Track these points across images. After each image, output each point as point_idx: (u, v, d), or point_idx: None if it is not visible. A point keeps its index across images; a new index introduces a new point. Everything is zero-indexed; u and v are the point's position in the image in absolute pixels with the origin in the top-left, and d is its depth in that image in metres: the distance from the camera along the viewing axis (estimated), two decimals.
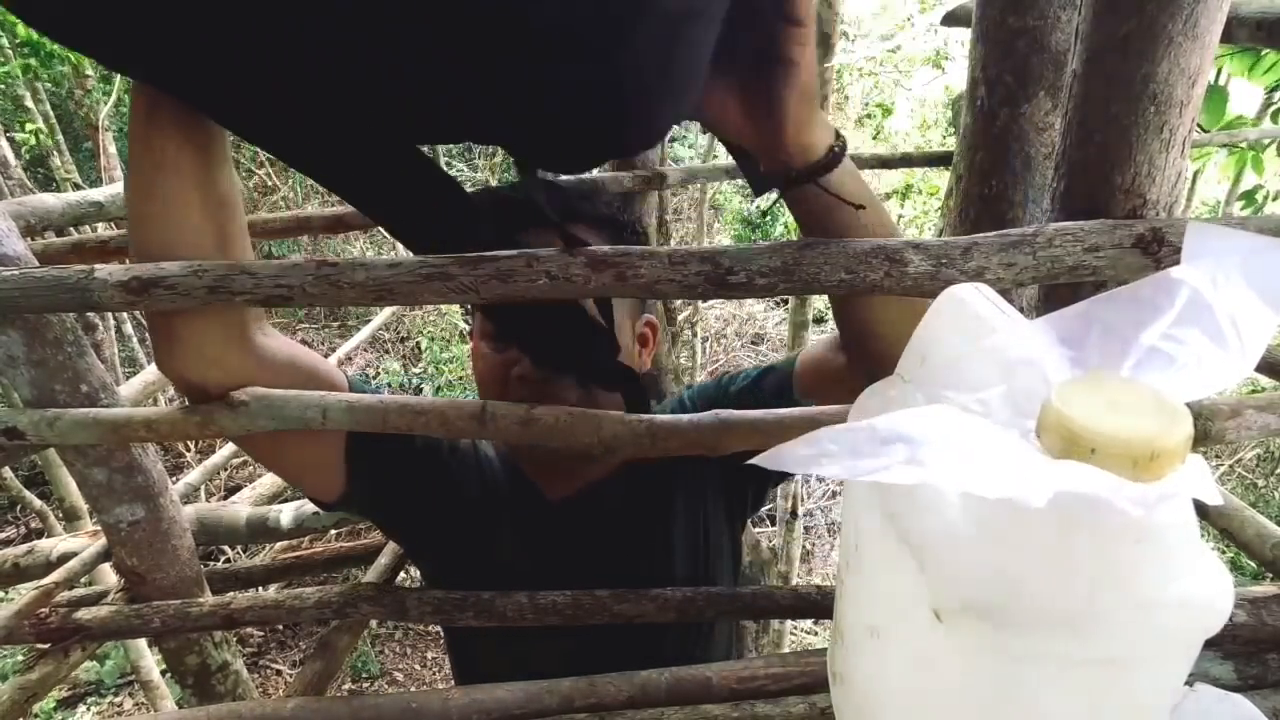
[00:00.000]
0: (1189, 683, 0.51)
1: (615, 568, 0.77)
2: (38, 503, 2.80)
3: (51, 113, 3.80)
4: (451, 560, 0.82)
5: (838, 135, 0.54)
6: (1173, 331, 0.31)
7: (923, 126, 7.65)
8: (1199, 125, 2.10)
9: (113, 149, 3.75)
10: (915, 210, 6.43)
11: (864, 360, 0.64)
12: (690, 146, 8.68)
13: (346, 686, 3.36)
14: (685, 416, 0.57)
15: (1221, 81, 2.26)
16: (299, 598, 0.74)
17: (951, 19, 1.58)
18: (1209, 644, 0.58)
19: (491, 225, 0.57)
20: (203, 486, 2.61)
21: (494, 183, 6.56)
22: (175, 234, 0.55)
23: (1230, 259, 0.32)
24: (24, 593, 0.77)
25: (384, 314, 3.72)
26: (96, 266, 0.55)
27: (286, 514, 1.10)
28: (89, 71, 3.77)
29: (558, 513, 0.80)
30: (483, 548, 0.80)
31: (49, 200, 1.05)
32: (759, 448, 0.31)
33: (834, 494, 4.35)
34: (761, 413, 0.57)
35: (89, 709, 3.25)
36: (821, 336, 0.79)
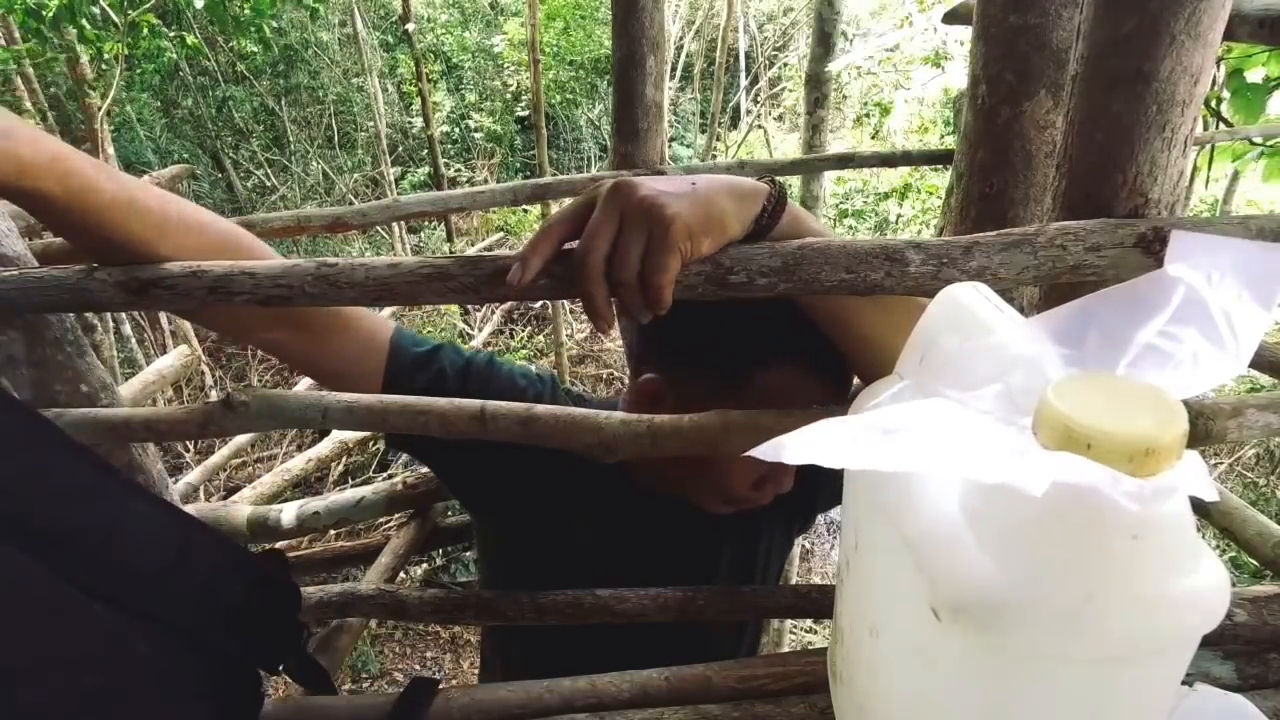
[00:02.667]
0: (1190, 682, 0.51)
1: (673, 570, 0.77)
2: None
3: (49, 113, 3.80)
4: (513, 517, 0.81)
5: (769, 197, 0.52)
6: (1169, 329, 0.31)
7: (921, 129, 7.65)
8: (1228, 122, 2.09)
9: (111, 150, 3.75)
10: (915, 209, 6.44)
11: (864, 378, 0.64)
12: (688, 146, 8.69)
13: (346, 686, 3.36)
14: (687, 416, 0.57)
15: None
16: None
17: (952, 17, 1.59)
18: (1209, 644, 0.58)
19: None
20: (203, 486, 2.61)
21: (492, 182, 6.57)
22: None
23: (1223, 257, 0.32)
24: None
25: (384, 314, 3.73)
26: (96, 266, 0.55)
27: (287, 513, 1.10)
28: (86, 68, 3.78)
29: (641, 504, 0.79)
30: (552, 515, 0.79)
31: None
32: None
33: None
34: (762, 412, 0.57)
35: None
36: None
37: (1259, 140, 2.21)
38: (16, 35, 3.66)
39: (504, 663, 0.92)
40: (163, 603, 0.49)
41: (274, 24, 5.21)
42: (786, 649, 3.47)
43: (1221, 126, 2.09)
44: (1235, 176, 4.79)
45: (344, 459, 4.00)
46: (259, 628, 0.57)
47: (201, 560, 0.53)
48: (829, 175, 5.83)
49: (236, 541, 0.60)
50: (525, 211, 6.73)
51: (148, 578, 0.49)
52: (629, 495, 0.79)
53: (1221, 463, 4.47)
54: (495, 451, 0.72)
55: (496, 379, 0.75)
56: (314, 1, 3.87)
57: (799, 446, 0.29)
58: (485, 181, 7.27)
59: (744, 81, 8.54)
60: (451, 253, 3.19)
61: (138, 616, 0.47)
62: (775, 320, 0.65)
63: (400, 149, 7.93)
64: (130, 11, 3.52)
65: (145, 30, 3.77)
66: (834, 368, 0.67)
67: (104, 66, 3.86)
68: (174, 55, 4.53)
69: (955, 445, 0.28)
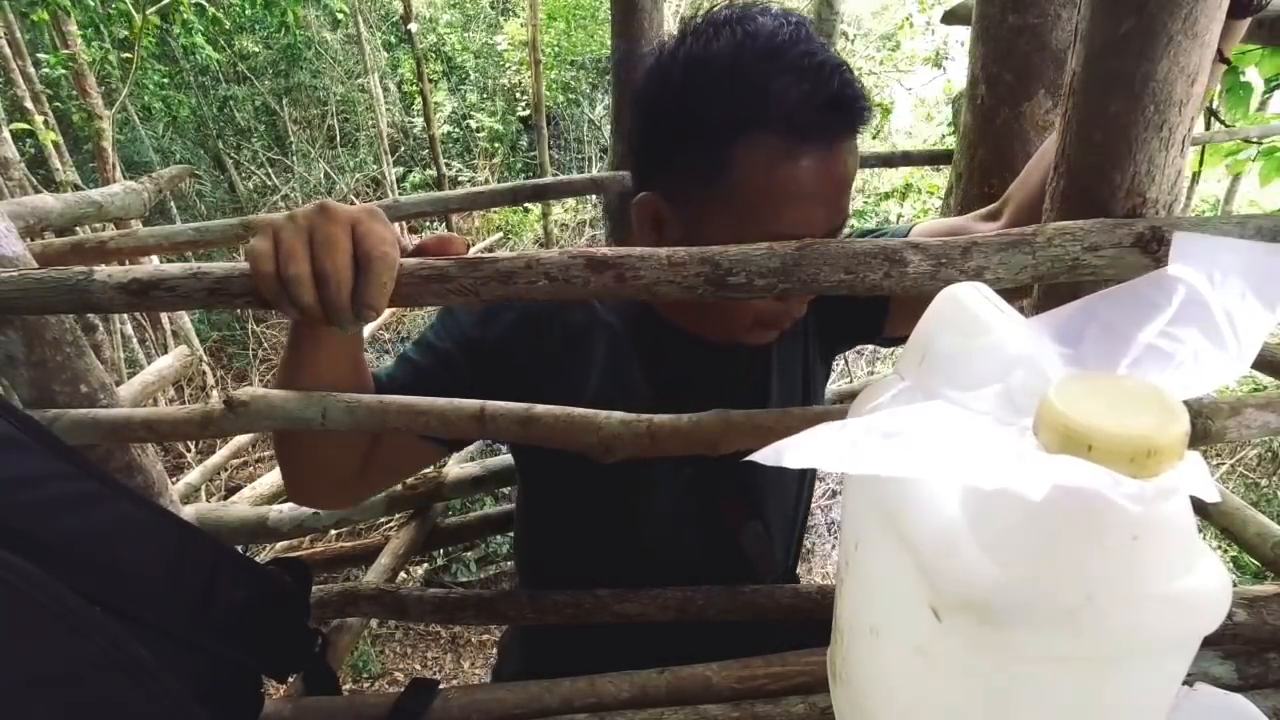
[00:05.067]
0: (1190, 682, 0.51)
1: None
2: None
3: (51, 114, 3.81)
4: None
5: None
6: (1170, 329, 0.31)
7: (929, 119, 7.65)
8: (1221, 120, 2.10)
9: (112, 148, 3.75)
10: (915, 209, 6.44)
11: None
12: None
13: (347, 686, 3.35)
14: (685, 417, 0.57)
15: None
16: None
17: (951, 17, 1.59)
18: (1209, 644, 0.58)
19: None
20: (203, 486, 2.61)
21: (494, 182, 6.57)
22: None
23: (1225, 258, 0.32)
24: None
25: (383, 314, 3.74)
26: (96, 268, 0.55)
27: (287, 513, 1.10)
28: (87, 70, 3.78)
29: (715, 356, 0.79)
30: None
31: (49, 200, 1.06)
32: (762, 446, 0.30)
33: (834, 493, 4.35)
34: (763, 412, 0.57)
35: None
36: (939, 220, 0.78)
37: (1255, 140, 2.22)
38: (16, 31, 3.66)
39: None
40: (161, 608, 0.49)
41: (294, 14, 5.23)
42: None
43: (1218, 126, 2.10)
44: (1236, 176, 4.78)
45: None
46: (264, 634, 0.57)
47: (199, 566, 0.53)
48: None
49: (235, 548, 0.60)
50: (526, 211, 6.73)
51: (145, 584, 0.49)
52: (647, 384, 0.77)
53: (1223, 463, 4.46)
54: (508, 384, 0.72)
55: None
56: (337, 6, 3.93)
57: (800, 450, 0.29)
58: (487, 181, 7.28)
59: None
60: None
61: (136, 622, 0.47)
62: (748, 88, 0.63)
63: (402, 149, 7.93)
64: (147, 6, 3.53)
65: (179, 28, 3.79)
66: (821, 130, 0.64)
67: (111, 66, 3.88)
68: (213, 55, 4.59)
69: (955, 449, 0.28)
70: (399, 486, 1.09)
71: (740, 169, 0.64)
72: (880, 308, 0.82)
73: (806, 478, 0.91)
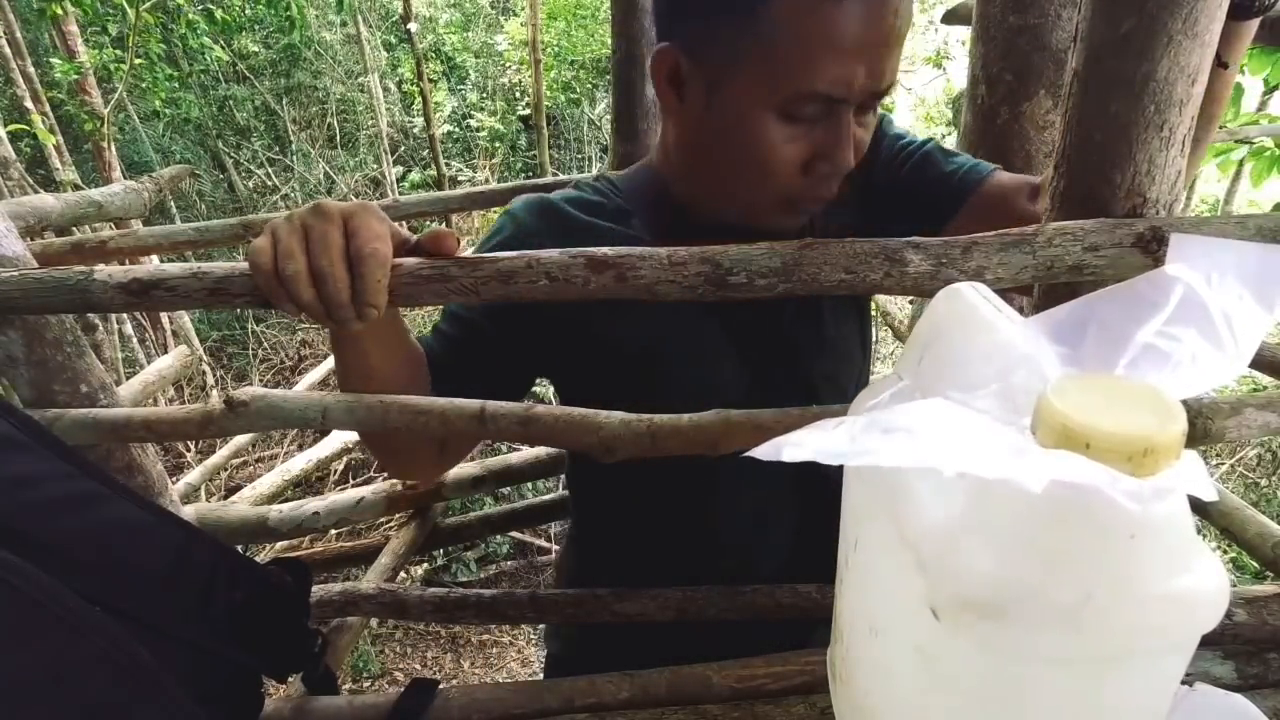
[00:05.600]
0: (1190, 682, 0.51)
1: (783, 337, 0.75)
2: None
3: (51, 113, 3.81)
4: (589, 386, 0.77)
5: None
6: (1168, 329, 0.31)
7: (928, 120, 7.66)
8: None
9: (113, 148, 3.75)
10: None
11: None
12: None
13: (347, 686, 3.35)
14: (686, 416, 0.57)
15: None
16: None
17: (952, 17, 1.58)
18: (1209, 643, 0.58)
19: None
20: (203, 486, 2.61)
21: (494, 182, 6.57)
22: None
23: (1223, 258, 0.32)
24: None
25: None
26: (97, 268, 0.55)
27: (286, 514, 1.10)
28: (89, 73, 3.78)
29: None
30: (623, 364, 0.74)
31: (48, 200, 1.06)
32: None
33: None
34: (763, 411, 0.57)
35: None
36: (1018, 177, 0.73)
37: (1253, 140, 2.22)
38: (16, 32, 3.66)
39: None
40: (161, 608, 0.50)
41: (299, 10, 5.24)
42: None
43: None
44: (1236, 176, 4.79)
45: (345, 458, 4.00)
46: (264, 634, 0.57)
47: (199, 566, 0.53)
48: None
49: (235, 548, 0.60)
50: None
51: (145, 584, 0.49)
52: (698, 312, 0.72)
53: (1223, 463, 4.47)
54: (536, 337, 0.71)
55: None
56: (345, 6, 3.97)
57: (799, 444, 0.29)
58: (487, 181, 7.28)
59: None
60: None
61: (136, 622, 0.47)
62: None
63: (402, 149, 7.94)
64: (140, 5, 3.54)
65: (183, 28, 3.82)
66: None
67: (115, 67, 3.89)
68: (221, 55, 4.62)
69: (955, 443, 0.28)
70: (399, 486, 1.09)
71: (778, 10, 0.57)
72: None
73: (866, 349, 0.84)
